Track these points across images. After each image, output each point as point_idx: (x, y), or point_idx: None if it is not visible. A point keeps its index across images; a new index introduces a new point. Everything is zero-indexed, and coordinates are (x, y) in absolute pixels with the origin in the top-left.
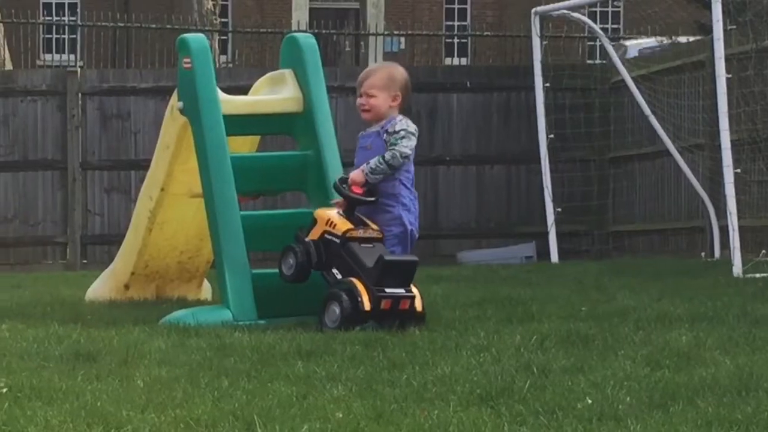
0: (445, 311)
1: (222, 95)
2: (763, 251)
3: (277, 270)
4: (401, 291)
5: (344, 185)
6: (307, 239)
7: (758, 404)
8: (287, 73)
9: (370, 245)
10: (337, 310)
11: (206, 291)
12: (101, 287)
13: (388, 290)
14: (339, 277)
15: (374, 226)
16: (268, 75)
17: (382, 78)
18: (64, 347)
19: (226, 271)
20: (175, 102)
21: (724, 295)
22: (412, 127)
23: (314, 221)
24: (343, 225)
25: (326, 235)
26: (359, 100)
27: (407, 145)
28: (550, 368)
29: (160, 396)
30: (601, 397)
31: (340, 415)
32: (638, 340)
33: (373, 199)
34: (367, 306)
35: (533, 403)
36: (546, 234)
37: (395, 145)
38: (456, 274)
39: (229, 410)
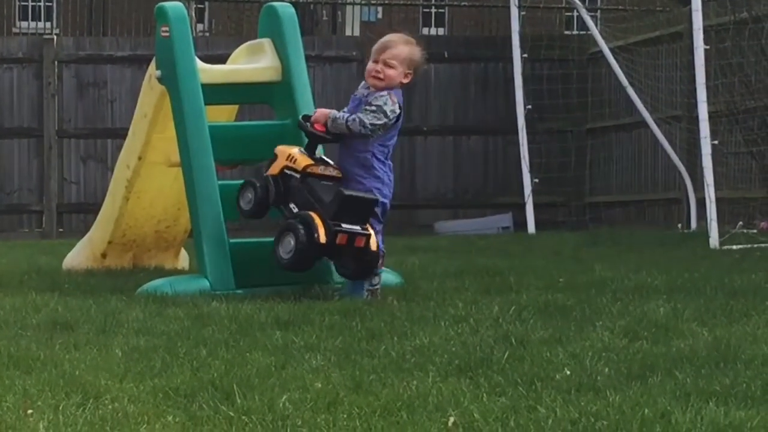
0: (423, 282)
1: (200, 64)
2: (740, 223)
3: (253, 240)
4: (357, 228)
5: (308, 123)
6: (266, 174)
7: (736, 376)
8: (266, 43)
9: (329, 183)
10: (292, 241)
11: (183, 260)
12: (78, 256)
13: (344, 225)
14: (296, 211)
15: (335, 166)
16: (246, 44)
17: (406, 53)
18: (41, 316)
19: (203, 240)
20: (153, 70)
21: (701, 266)
22: (389, 107)
23: (275, 156)
24: (303, 161)
25: (286, 170)
26: (375, 66)
27: (371, 120)
28: (529, 339)
29: (139, 365)
30: (579, 368)
31: (319, 385)
32: (616, 311)
33: (331, 137)
34: (322, 238)
35: (512, 374)
36: (523, 205)
37: (362, 113)
38: (433, 244)
39: (207, 380)
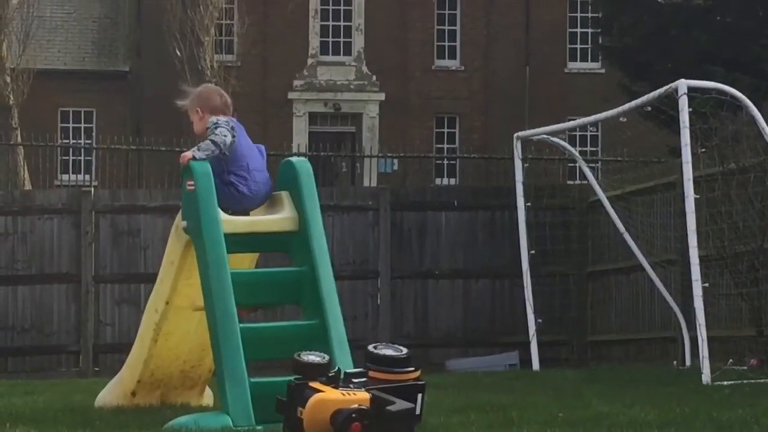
0: (431, 417)
1: (223, 215)
2: (731, 360)
3: (272, 379)
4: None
5: None
6: None
7: None
8: (284, 195)
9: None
10: None
11: (208, 397)
12: (110, 394)
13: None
14: None
15: None
16: None
17: (190, 104)
18: None
19: (225, 379)
20: (179, 221)
21: (693, 401)
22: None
23: None
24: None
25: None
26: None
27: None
28: None
29: None
30: None
31: None
32: None
33: None
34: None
35: None
36: (528, 343)
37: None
38: (443, 381)
39: None
